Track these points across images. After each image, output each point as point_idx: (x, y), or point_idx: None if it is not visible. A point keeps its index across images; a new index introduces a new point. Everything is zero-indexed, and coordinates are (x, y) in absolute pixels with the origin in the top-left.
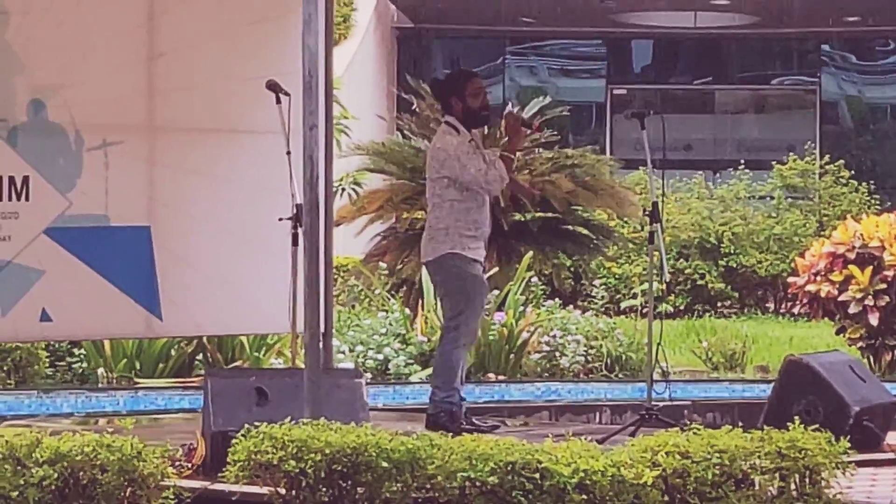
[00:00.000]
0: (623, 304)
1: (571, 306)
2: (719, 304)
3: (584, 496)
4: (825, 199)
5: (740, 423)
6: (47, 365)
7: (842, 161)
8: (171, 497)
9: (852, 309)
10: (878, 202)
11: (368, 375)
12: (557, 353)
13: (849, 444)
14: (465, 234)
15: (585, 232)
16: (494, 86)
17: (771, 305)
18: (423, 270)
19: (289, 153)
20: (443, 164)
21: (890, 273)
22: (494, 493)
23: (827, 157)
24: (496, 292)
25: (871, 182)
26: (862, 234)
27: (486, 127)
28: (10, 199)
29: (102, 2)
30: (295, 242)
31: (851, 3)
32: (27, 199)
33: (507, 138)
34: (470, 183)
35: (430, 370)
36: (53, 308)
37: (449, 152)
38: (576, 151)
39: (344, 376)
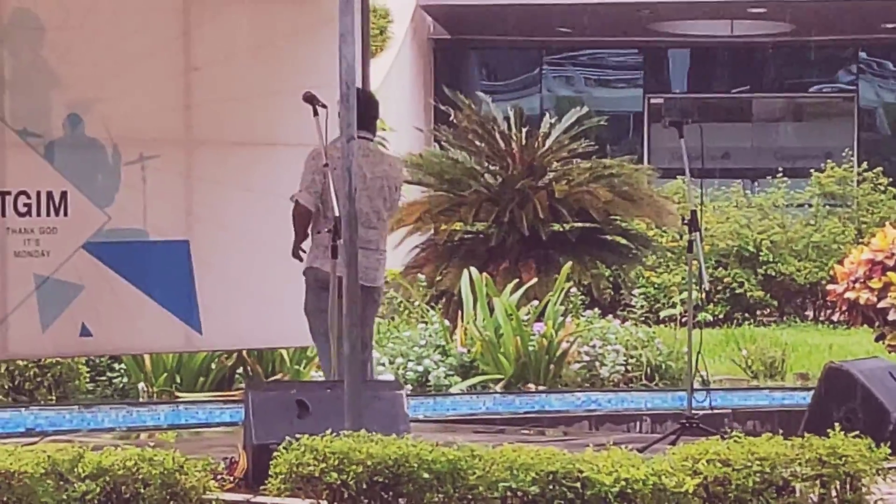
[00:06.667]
0: (662, 314)
1: (611, 316)
2: (758, 313)
3: None
4: (863, 207)
5: (780, 431)
6: (88, 380)
7: (880, 168)
8: None
9: (891, 316)
10: None
11: (409, 387)
12: (597, 363)
13: (889, 451)
14: None
15: (624, 241)
16: (531, 96)
17: (810, 313)
18: (463, 282)
19: (326, 165)
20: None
21: None
22: (535, 502)
23: (865, 165)
24: (535, 303)
25: None
26: None
27: None
28: (48, 214)
29: (137, 16)
30: (334, 255)
31: (889, 10)
32: (65, 214)
33: None
34: None
35: (470, 381)
36: (93, 323)
37: None
38: (613, 161)
39: (384, 388)
